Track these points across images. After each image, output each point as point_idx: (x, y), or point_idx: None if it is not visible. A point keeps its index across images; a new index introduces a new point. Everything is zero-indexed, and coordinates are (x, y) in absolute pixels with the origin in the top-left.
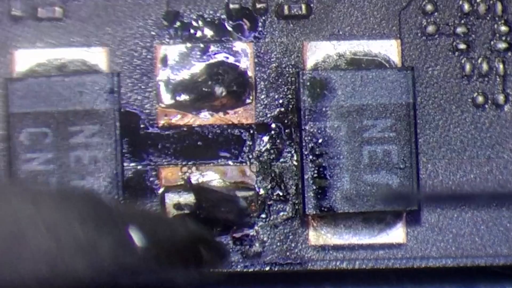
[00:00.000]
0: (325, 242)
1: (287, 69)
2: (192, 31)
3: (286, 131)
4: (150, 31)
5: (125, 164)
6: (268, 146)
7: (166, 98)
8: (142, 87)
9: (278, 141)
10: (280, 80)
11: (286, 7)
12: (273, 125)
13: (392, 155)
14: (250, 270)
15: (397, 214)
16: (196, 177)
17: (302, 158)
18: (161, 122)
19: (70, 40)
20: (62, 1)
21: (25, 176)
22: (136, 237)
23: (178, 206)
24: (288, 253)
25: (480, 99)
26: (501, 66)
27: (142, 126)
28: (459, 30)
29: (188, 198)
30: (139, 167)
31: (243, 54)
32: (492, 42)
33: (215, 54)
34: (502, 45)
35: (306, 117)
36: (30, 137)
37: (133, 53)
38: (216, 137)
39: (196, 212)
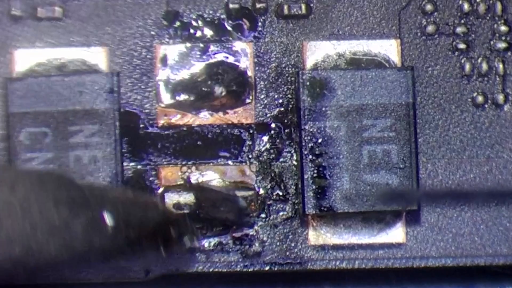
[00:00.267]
0: (324, 241)
1: (286, 69)
2: (191, 31)
3: (286, 131)
4: (150, 31)
5: (124, 163)
6: (267, 146)
7: (166, 98)
8: (142, 87)
9: (277, 141)
10: (279, 80)
11: (285, 7)
12: (273, 125)
13: (391, 155)
14: (249, 270)
15: (397, 214)
16: (195, 177)
17: (302, 158)
18: (161, 122)
19: (70, 40)
20: (62, 1)
21: None
22: (108, 217)
23: (177, 205)
24: (287, 253)
25: (479, 98)
26: (500, 66)
27: (141, 126)
28: (459, 30)
29: (187, 197)
30: (138, 166)
31: (242, 54)
32: (491, 42)
33: (214, 54)
34: (501, 45)
35: (306, 117)
36: (30, 136)
37: (133, 53)
38: (215, 137)
39: (195, 211)
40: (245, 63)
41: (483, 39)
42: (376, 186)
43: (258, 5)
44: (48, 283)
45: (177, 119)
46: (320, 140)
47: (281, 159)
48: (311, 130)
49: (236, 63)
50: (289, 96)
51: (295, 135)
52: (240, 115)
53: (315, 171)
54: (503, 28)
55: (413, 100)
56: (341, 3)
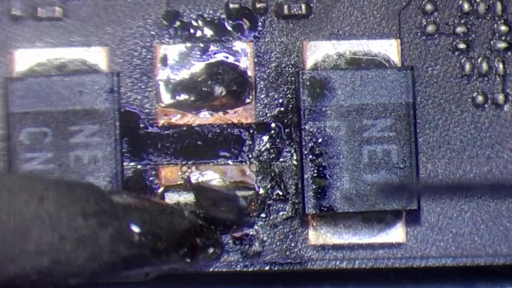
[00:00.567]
0: (324, 241)
1: (287, 69)
2: (192, 30)
3: (286, 130)
4: (150, 30)
5: (124, 163)
6: (268, 145)
7: (166, 97)
8: (142, 86)
9: (278, 140)
10: (280, 79)
11: (286, 7)
12: (273, 125)
13: (392, 155)
14: (249, 270)
15: (397, 213)
16: (195, 177)
17: (302, 157)
18: (161, 121)
19: (70, 39)
20: (62, 1)
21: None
22: (135, 228)
23: (176, 205)
24: (287, 253)
25: (479, 98)
26: (500, 65)
27: (142, 125)
28: (459, 29)
29: (188, 197)
30: (138, 166)
31: (243, 53)
32: (492, 42)
33: (215, 53)
34: (501, 45)
35: (306, 116)
36: (30, 136)
37: (133, 53)
38: (216, 136)
39: (196, 211)
40: (245, 63)
41: (483, 39)
42: (376, 186)
43: (258, 5)
44: None
45: (177, 119)
46: (320, 140)
47: (281, 159)
48: (311, 130)
49: (236, 63)
50: (289, 96)
51: (295, 135)
52: (240, 115)
53: (315, 171)
54: (503, 28)
55: (413, 100)
56: (341, 3)
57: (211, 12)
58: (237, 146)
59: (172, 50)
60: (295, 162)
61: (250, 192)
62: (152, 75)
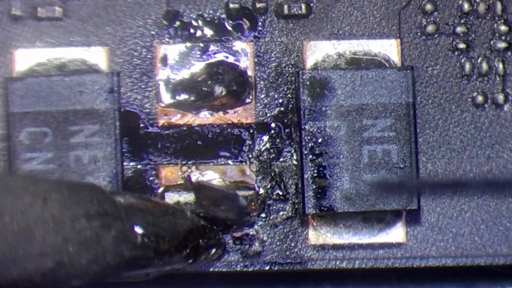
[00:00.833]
0: (325, 241)
1: (287, 69)
2: (192, 30)
3: (286, 130)
4: (150, 30)
5: (125, 163)
6: (268, 145)
7: (166, 97)
8: (142, 86)
9: (278, 140)
10: (280, 79)
11: (286, 7)
12: (273, 125)
13: (392, 155)
14: (250, 270)
15: (397, 213)
16: (196, 177)
17: (302, 157)
18: (161, 121)
19: (70, 39)
20: (62, 1)
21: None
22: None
23: (178, 205)
24: (288, 253)
25: (479, 98)
26: (500, 65)
27: (142, 125)
28: (459, 29)
29: (188, 197)
30: (139, 166)
31: (243, 53)
32: (491, 42)
33: (215, 53)
34: (501, 45)
35: (306, 116)
36: (30, 136)
37: (133, 53)
38: (216, 136)
39: (196, 211)
40: (245, 63)
41: (483, 39)
42: (376, 184)
43: (258, 5)
44: None
45: (177, 118)
46: (320, 140)
47: (281, 159)
48: (311, 130)
49: (236, 63)
50: (289, 96)
51: (295, 135)
52: (240, 115)
53: (315, 171)
54: (503, 28)
55: (413, 100)
56: (341, 3)
57: (211, 12)
58: (237, 146)
59: (172, 50)
60: (295, 162)
61: (250, 192)
62: (152, 75)
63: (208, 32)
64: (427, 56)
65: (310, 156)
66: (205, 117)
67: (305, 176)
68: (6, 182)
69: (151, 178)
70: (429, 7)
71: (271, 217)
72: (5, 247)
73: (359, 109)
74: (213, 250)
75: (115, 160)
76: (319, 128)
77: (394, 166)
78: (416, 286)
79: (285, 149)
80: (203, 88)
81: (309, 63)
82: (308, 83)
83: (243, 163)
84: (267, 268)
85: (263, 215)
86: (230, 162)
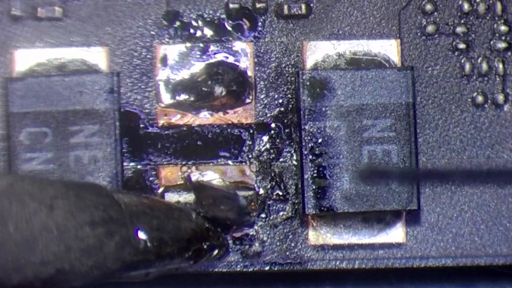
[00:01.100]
0: (324, 241)
1: (286, 69)
2: (191, 30)
3: (286, 130)
4: (150, 30)
5: (124, 163)
6: (267, 145)
7: (166, 97)
8: (142, 86)
9: (277, 140)
10: (279, 79)
11: (285, 7)
12: (273, 125)
13: (391, 155)
14: (249, 270)
15: (397, 213)
16: (196, 177)
17: (302, 158)
18: (161, 121)
19: (70, 40)
20: (62, 1)
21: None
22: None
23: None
24: (287, 253)
25: (479, 98)
26: (500, 65)
27: (141, 125)
28: (459, 29)
29: (188, 197)
30: (138, 166)
31: (242, 53)
32: (491, 42)
33: (214, 53)
34: (501, 45)
35: (306, 116)
36: (30, 136)
37: (133, 53)
38: (215, 136)
39: (195, 211)
40: (245, 63)
41: (483, 39)
42: (376, 186)
43: (258, 5)
44: None
45: (177, 119)
46: (320, 140)
47: (281, 159)
48: (311, 130)
49: (236, 63)
50: (289, 96)
51: (295, 135)
52: (240, 115)
53: (315, 171)
54: (503, 28)
55: (413, 100)
56: (341, 3)
57: (211, 12)
58: (237, 146)
59: (172, 50)
60: (295, 162)
61: (250, 192)
62: (152, 75)
63: (208, 32)
64: (427, 56)
65: (310, 156)
66: (205, 117)
67: (305, 176)
68: (13, 188)
69: (151, 178)
70: (429, 7)
71: (271, 218)
72: (8, 256)
73: (359, 109)
74: (215, 251)
75: (115, 160)
76: (319, 128)
77: (394, 166)
78: (416, 286)
79: (285, 149)
80: (203, 88)
81: (309, 63)
82: (308, 83)
83: (243, 163)
84: (267, 268)
85: (263, 215)
86: (230, 162)
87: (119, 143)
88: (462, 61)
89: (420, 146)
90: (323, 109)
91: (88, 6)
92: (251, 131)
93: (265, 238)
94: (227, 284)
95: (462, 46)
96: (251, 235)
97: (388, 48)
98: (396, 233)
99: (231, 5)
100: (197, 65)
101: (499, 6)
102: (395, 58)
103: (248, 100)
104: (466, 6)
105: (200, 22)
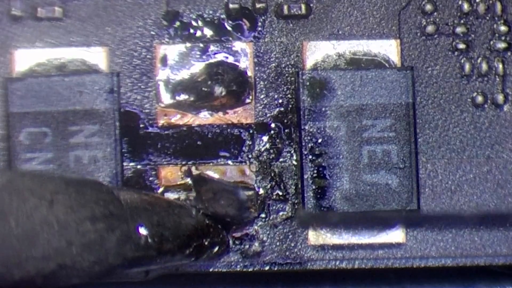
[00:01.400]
0: (324, 241)
1: (286, 69)
2: (191, 31)
3: (286, 131)
4: (150, 31)
5: (124, 163)
6: (267, 145)
7: (166, 97)
8: (142, 87)
9: (277, 141)
10: (279, 80)
11: (285, 7)
12: (273, 125)
13: (391, 155)
14: (249, 270)
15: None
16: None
17: (302, 158)
18: (161, 121)
19: (70, 40)
20: (62, 1)
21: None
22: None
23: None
24: (287, 253)
25: (479, 99)
26: (500, 66)
27: (141, 125)
28: (459, 30)
29: (188, 195)
30: (138, 166)
31: (242, 54)
32: (491, 42)
33: (214, 54)
34: (501, 45)
35: (306, 117)
36: (29, 136)
37: (133, 53)
38: (215, 136)
39: (196, 207)
40: (245, 63)
41: (483, 39)
42: (376, 186)
43: (258, 5)
44: None
45: (177, 119)
46: (320, 140)
47: (281, 159)
48: (311, 130)
49: (236, 63)
50: (289, 96)
51: (295, 135)
52: (240, 115)
53: (315, 171)
54: (503, 28)
55: (413, 100)
56: (341, 3)
57: (211, 12)
58: (237, 146)
59: (172, 50)
60: (295, 162)
61: (250, 192)
62: (152, 75)
63: (208, 32)
64: (427, 56)
65: (310, 157)
66: (205, 117)
67: (305, 177)
68: (13, 184)
69: (151, 178)
70: (429, 7)
71: (271, 217)
72: (9, 252)
73: (359, 109)
74: (216, 248)
75: (115, 160)
76: (319, 128)
77: (394, 167)
78: (416, 286)
79: (285, 149)
80: (203, 89)
81: (309, 63)
82: (308, 83)
83: (243, 163)
84: (267, 268)
85: (263, 215)
86: (230, 162)
87: (119, 143)
88: (462, 61)
89: (420, 146)
90: (323, 109)
91: (88, 6)
92: (251, 131)
93: (265, 238)
94: (227, 284)
95: (462, 46)
96: (251, 235)
97: (388, 48)
98: (396, 233)
99: (231, 5)
100: (197, 65)
101: (499, 6)
102: (395, 58)
103: (248, 100)
104: (466, 6)
105: (200, 22)
